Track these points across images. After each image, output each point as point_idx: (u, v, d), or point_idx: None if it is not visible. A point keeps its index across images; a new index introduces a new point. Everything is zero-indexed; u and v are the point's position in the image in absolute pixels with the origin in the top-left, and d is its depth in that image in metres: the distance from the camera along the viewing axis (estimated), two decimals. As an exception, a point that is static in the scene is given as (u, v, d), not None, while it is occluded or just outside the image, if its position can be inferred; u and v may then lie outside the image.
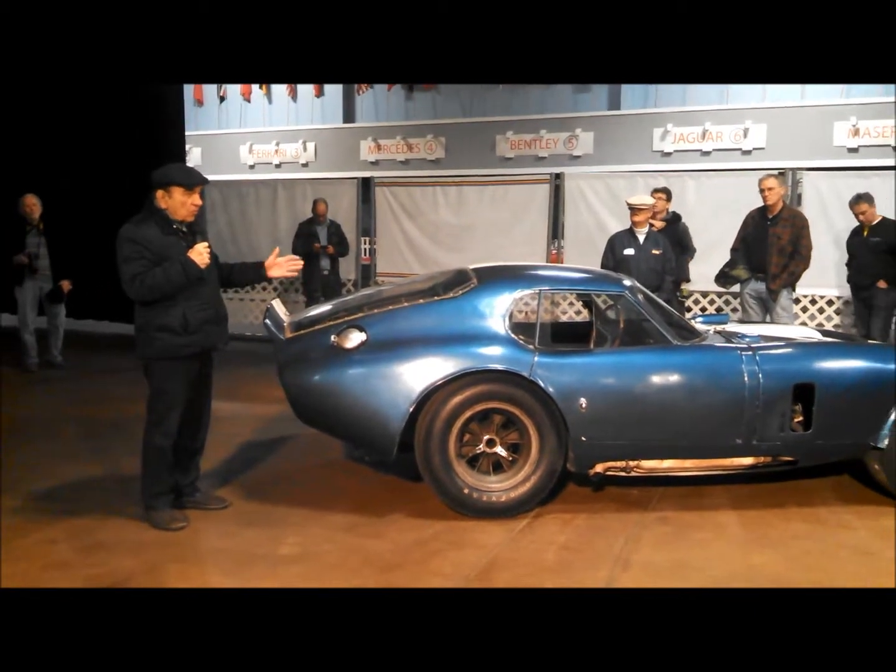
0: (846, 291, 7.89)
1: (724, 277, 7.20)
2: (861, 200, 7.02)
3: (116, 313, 9.15)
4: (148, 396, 4.03)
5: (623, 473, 4.34)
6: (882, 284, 6.99)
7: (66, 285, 8.15)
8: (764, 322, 6.78)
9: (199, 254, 3.88)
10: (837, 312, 8.51)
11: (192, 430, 4.17)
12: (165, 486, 4.07)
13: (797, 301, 8.51)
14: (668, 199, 7.61)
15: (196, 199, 3.95)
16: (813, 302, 8.51)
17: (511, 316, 4.28)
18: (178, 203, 3.89)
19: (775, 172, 7.18)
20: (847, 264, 7.45)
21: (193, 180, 3.94)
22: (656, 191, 7.57)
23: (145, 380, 4.04)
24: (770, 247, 6.75)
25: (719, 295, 8.82)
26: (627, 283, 4.64)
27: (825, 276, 8.08)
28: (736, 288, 7.46)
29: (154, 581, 3.44)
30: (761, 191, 6.84)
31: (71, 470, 4.87)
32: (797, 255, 6.72)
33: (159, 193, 3.89)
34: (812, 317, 8.51)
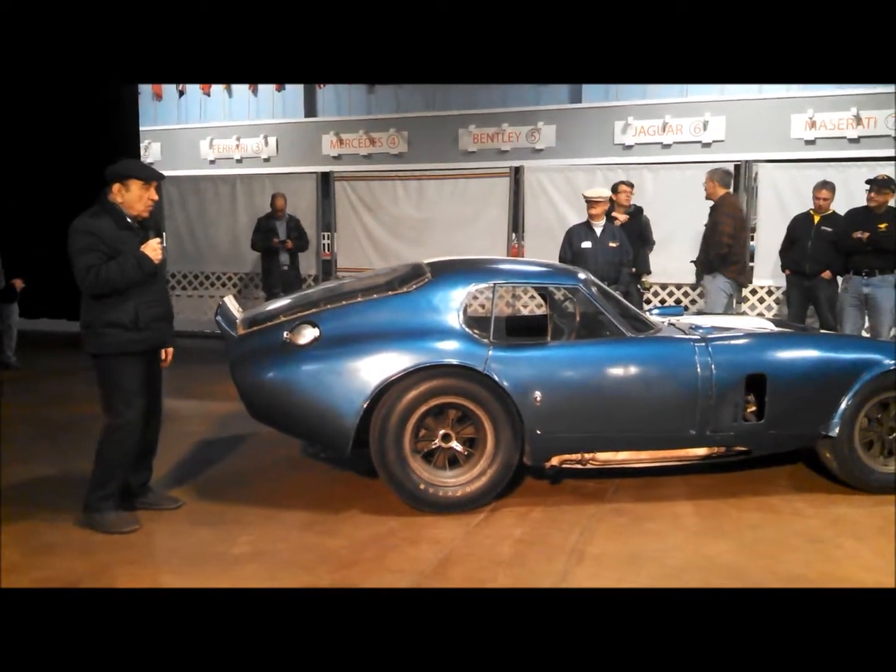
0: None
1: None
2: (827, 187, 7.10)
3: (72, 311, 9.00)
4: (102, 395, 3.94)
5: (579, 466, 4.35)
6: (827, 275, 7.06)
7: (18, 284, 8.02)
8: (722, 313, 6.87)
9: (154, 249, 3.85)
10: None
11: (144, 429, 4.09)
12: (116, 487, 3.99)
13: (754, 292, 8.61)
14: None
15: (153, 193, 3.93)
16: (770, 293, 8.59)
17: (465, 310, 4.26)
18: (136, 197, 3.86)
19: (720, 168, 7.34)
20: (785, 250, 7.38)
21: (151, 174, 3.94)
22: (623, 183, 7.59)
23: (96, 378, 3.94)
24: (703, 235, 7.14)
25: (678, 286, 8.89)
26: (582, 276, 4.64)
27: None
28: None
29: (104, 583, 3.37)
30: None
31: (21, 471, 4.77)
32: (711, 241, 6.91)
33: (116, 187, 3.85)
34: (769, 307, 8.60)
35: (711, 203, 7.08)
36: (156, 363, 4.14)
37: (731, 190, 7.15)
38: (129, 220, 3.88)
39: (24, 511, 4.15)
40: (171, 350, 4.23)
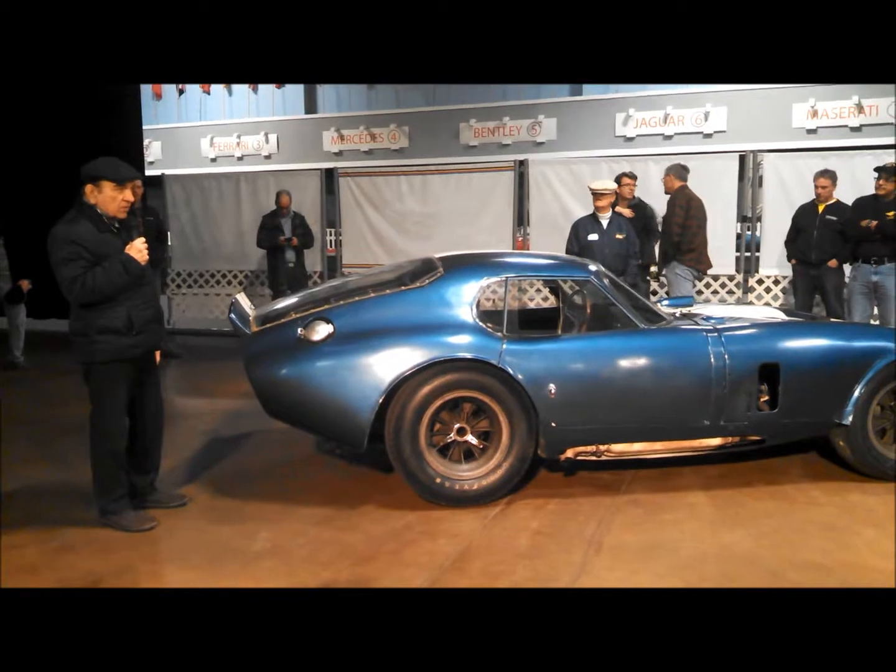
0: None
1: None
2: (825, 175, 7.11)
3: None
4: (93, 402, 3.92)
5: (594, 457, 4.36)
6: (833, 264, 7.07)
7: (25, 285, 8.01)
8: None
9: (139, 251, 3.78)
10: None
11: (145, 430, 4.10)
12: (124, 490, 3.99)
13: (760, 282, 8.62)
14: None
15: (127, 195, 3.80)
16: (776, 282, 8.59)
17: (478, 304, 4.27)
18: (108, 198, 3.74)
19: (676, 164, 7.65)
20: (791, 240, 7.42)
21: (123, 175, 3.78)
22: (625, 175, 7.60)
23: (85, 385, 3.93)
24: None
25: (684, 277, 8.86)
26: (593, 268, 4.65)
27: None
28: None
29: (126, 581, 3.39)
30: None
31: (32, 471, 4.79)
32: (665, 231, 7.42)
33: (88, 188, 3.74)
34: (775, 297, 8.60)
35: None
36: (150, 364, 4.10)
37: (687, 183, 7.49)
38: (106, 221, 3.78)
39: (38, 511, 4.17)
40: (158, 352, 4.18)
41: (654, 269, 7.78)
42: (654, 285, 8.60)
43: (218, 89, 22.20)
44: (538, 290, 9.30)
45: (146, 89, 20.14)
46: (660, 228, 7.74)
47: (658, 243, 7.71)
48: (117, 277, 3.71)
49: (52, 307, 9.45)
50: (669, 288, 7.52)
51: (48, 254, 3.71)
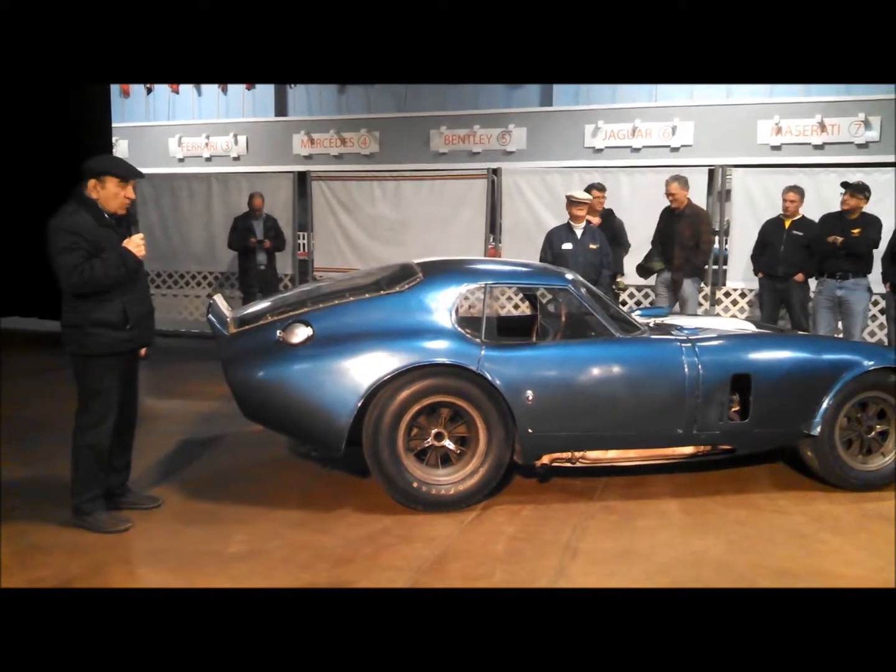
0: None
1: (641, 268, 7.78)
2: (794, 190, 7.27)
3: (42, 309, 8.87)
4: (81, 396, 3.89)
5: (569, 464, 4.41)
6: (799, 278, 7.22)
7: (-10, 281, 7.90)
8: (692, 314, 7.05)
9: (137, 245, 3.82)
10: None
11: (121, 429, 4.06)
12: (101, 489, 3.96)
13: (727, 294, 8.76)
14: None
15: (129, 192, 3.88)
16: (743, 295, 8.74)
17: (457, 310, 4.30)
18: (111, 194, 3.81)
19: (683, 175, 7.62)
20: (758, 254, 7.54)
21: (129, 173, 3.88)
22: (595, 187, 7.66)
23: (75, 379, 3.89)
24: (675, 241, 7.37)
25: (654, 288, 8.98)
26: (570, 276, 4.71)
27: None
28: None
29: (99, 582, 3.36)
30: (667, 193, 7.43)
31: (3, 471, 4.69)
32: (697, 248, 7.34)
33: (91, 183, 3.79)
34: (742, 310, 8.75)
35: (677, 212, 7.36)
36: (135, 360, 4.10)
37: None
38: (107, 216, 3.83)
39: (8, 511, 4.09)
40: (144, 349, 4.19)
41: (620, 279, 7.84)
42: (622, 296, 8.70)
43: (187, 89, 21.98)
44: (509, 298, 9.35)
45: (114, 87, 19.93)
46: (626, 240, 7.82)
47: (676, 256, 7.41)
48: (114, 270, 3.73)
49: (15, 304, 9.35)
50: (687, 302, 7.41)
51: (47, 243, 3.72)
